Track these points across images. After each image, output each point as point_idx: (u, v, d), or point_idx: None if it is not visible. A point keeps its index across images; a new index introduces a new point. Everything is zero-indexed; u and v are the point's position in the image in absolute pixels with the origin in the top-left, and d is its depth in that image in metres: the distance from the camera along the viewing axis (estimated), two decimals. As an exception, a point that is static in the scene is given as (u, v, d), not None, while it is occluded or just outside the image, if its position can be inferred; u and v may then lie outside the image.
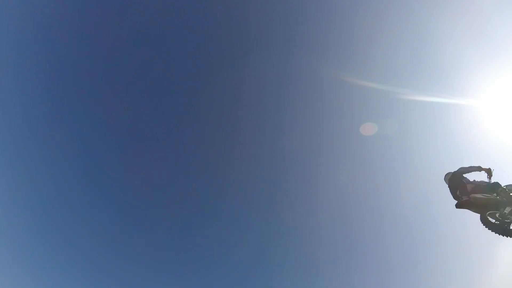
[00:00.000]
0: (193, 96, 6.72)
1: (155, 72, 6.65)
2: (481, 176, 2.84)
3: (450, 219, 6.37)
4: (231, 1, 6.40)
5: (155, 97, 6.66)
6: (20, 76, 6.22)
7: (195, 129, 6.71)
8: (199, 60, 6.61)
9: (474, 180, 2.79)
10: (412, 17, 6.01)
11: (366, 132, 6.02)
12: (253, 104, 6.74)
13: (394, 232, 6.47)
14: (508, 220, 2.39)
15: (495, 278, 6.22)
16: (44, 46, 6.26)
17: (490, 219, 2.45)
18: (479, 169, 2.76)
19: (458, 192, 2.80)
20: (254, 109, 6.73)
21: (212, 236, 6.52)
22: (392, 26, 6.01)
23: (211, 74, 6.67)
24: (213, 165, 6.76)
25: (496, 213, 2.44)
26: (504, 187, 2.50)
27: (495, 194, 2.47)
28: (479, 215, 2.50)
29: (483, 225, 2.53)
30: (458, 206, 2.66)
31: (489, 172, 2.71)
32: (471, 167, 2.85)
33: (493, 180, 2.69)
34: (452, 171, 2.90)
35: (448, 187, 2.90)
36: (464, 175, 2.81)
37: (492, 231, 2.44)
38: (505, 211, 2.39)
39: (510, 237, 2.38)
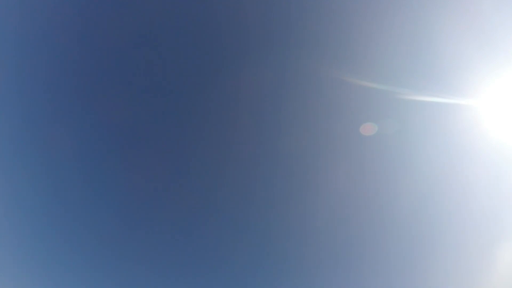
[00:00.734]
0: (193, 96, 6.71)
1: (154, 72, 6.65)
2: None
3: (450, 219, 6.38)
4: (230, 0, 6.40)
5: (154, 96, 6.66)
6: (19, 76, 6.22)
7: (195, 129, 6.71)
8: (199, 60, 6.61)
9: None
10: (412, 17, 6.02)
11: (366, 132, 6.02)
12: (252, 104, 6.73)
13: (394, 233, 6.47)
14: None
15: (495, 278, 6.23)
16: (44, 45, 6.26)
17: None
18: None
19: None
20: (253, 109, 6.72)
21: (212, 236, 6.52)
22: (392, 26, 6.01)
23: (210, 73, 6.67)
24: (212, 165, 6.75)
25: None
26: None
27: None
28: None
29: None
30: None
31: None
32: None
33: None
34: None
35: None
36: None
37: None
38: None
39: None
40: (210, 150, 6.74)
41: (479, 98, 5.97)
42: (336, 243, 6.51)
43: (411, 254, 6.46)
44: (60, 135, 6.40)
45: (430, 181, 6.42)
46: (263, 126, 6.77)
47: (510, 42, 5.80)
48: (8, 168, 6.21)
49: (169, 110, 6.71)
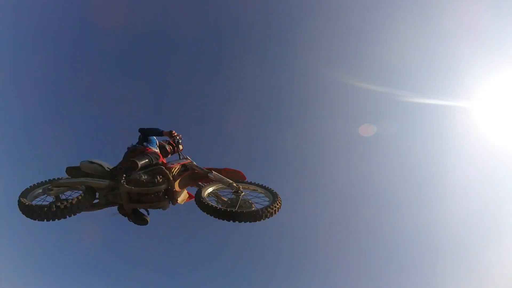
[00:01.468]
0: (193, 96, 6.72)
1: (154, 71, 6.66)
2: None
3: (449, 219, 6.40)
4: (230, 0, 6.42)
5: (154, 96, 6.67)
6: (19, 76, 6.22)
7: (195, 129, 6.71)
8: (199, 60, 6.63)
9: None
10: (411, 18, 6.05)
11: (365, 133, 6.04)
12: (252, 105, 6.75)
13: (393, 233, 6.48)
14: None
15: (494, 279, 6.24)
16: (43, 44, 6.26)
17: None
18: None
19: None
20: (253, 110, 6.74)
21: (211, 236, 6.51)
22: (391, 28, 6.04)
23: (210, 74, 6.69)
24: (211, 165, 6.74)
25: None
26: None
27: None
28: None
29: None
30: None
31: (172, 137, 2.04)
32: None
33: None
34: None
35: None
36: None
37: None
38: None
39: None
40: (209, 150, 6.74)
41: (477, 100, 6.00)
42: (336, 244, 6.51)
43: (410, 255, 6.47)
44: (59, 134, 6.40)
45: (429, 181, 6.45)
46: (262, 127, 6.78)
47: (508, 45, 5.83)
48: (8, 168, 6.20)
49: (168, 109, 6.72)
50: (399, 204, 6.48)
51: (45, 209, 1.48)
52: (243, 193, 1.71)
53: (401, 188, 6.46)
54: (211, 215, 1.56)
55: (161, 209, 1.81)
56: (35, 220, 1.52)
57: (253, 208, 1.62)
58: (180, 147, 2.17)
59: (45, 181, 1.84)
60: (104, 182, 1.70)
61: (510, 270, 6.25)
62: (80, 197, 1.59)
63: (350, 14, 6.03)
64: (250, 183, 1.88)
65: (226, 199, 1.78)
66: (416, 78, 6.08)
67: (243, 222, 1.54)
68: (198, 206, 1.61)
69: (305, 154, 6.62)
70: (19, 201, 1.61)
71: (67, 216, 1.54)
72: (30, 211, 1.51)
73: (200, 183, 1.90)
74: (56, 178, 1.81)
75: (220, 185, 1.81)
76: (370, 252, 6.46)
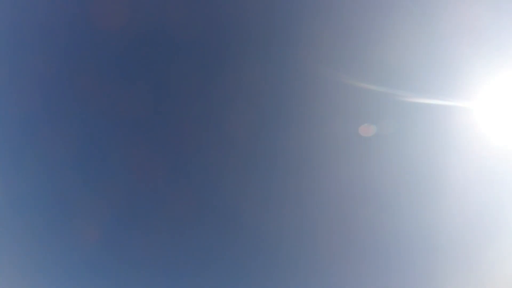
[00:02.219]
0: (192, 96, 6.72)
1: (153, 71, 6.66)
2: None
3: (449, 220, 6.40)
4: (230, 0, 6.42)
5: (153, 96, 6.66)
6: (18, 75, 6.22)
7: (194, 129, 6.71)
8: (199, 60, 6.62)
9: None
10: (410, 18, 6.05)
11: (365, 133, 6.04)
12: (250, 104, 6.74)
13: (393, 234, 6.49)
14: None
15: (494, 279, 6.25)
16: (43, 44, 6.27)
17: None
18: None
19: None
20: (251, 110, 6.74)
21: (211, 236, 6.52)
22: (390, 27, 6.04)
23: (209, 73, 6.68)
24: (211, 165, 6.76)
25: None
26: None
27: None
28: None
29: None
30: None
31: None
32: None
33: None
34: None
35: None
36: None
37: None
38: None
39: None
40: (209, 150, 6.75)
41: (478, 100, 6.00)
42: (335, 244, 6.52)
43: (410, 255, 6.48)
44: (59, 135, 6.40)
45: (429, 182, 6.45)
46: (261, 126, 6.78)
47: (508, 45, 5.84)
48: (8, 168, 6.20)
49: (168, 109, 6.72)
50: (398, 204, 6.48)
51: None
52: None
53: (400, 188, 6.46)
54: None
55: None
56: None
57: None
58: None
59: None
60: None
61: (510, 270, 6.26)
62: None
63: (350, 14, 6.04)
64: None
65: None
66: (416, 78, 6.08)
67: None
68: None
69: (305, 154, 6.62)
70: None
71: None
72: None
73: None
74: None
75: None
76: (370, 252, 6.47)
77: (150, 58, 6.63)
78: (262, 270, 6.60)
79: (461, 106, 5.87)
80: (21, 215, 6.23)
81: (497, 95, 5.94)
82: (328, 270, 6.53)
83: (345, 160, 6.49)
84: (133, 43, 6.54)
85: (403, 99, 5.94)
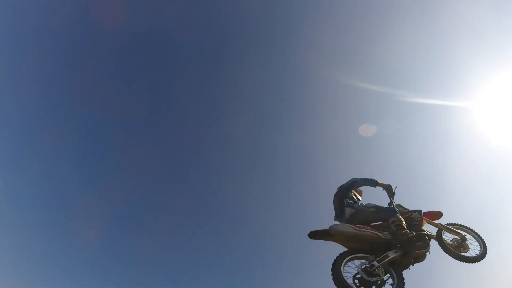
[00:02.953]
0: (192, 96, 6.72)
1: (153, 71, 6.66)
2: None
3: (449, 219, 6.39)
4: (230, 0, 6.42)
5: (153, 96, 6.66)
6: (18, 75, 6.22)
7: (194, 129, 6.71)
8: (199, 60, 6.62)
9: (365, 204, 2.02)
10: (410, 18, 6.05)
11: (365, 133, 6.04)
12: (251, 105, 6.75)
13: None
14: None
15: (494, 279, 6.24)
16: (43, 44, 6.26)
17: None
18: (374, 184, 2.09)
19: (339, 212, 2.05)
20: (252, 110, 6.74)
21: (211, 237, 6.51)
22: (391, 28, 6.04)
23: (210, 74, 6.68)
24: (211, 165, 6.76)
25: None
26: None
27: (386, 230, 1.79)
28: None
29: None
30: (315, 235, 1.84)
31: (389, 190, 2.04)
32: (365, 179, 2.13)
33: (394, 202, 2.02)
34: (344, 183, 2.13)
35: (333, 203, 2.13)
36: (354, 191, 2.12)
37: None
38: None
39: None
40: (209, 150, 6.75)
41: (478, 100, 6.00)
42: (335, 244, 6.51)
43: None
44: (59, 135, 6.39)
45: (429, 182, 6.44)
46: (261, 126, 6.79)
47: (508, 45, 5.84)
48: (8, 168, 6.19)
49: (167, 109, 6.71)
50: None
51: None
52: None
53: (400, 188, 6.45)
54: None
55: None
56: None
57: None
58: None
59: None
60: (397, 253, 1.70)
61: (510, 270, 6.26)
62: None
63: (350, 14, 6.04)
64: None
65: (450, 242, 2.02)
66: (416, 78, 6.08)
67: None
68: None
69: (305, 154, 6.62)
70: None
71: None
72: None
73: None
74: None
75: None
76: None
77: (150, 58, 6.63)
78: (262, 270, 6.60)
79: (461, 106, 5.87)
80: (21, 215, 6.23)
81: (497, 95, 5.95)
82: (328, 270, 6.51)
83: (345, 160, 6.49)
84: (133, 43, 6.54)
85: (403, 99, 5.94)
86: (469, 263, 1.94)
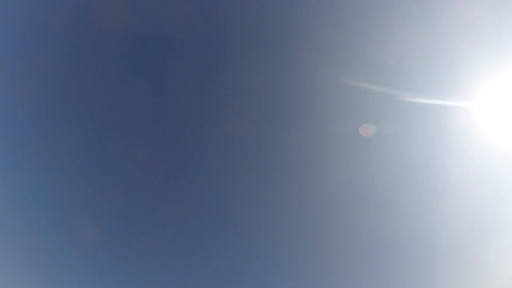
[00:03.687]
0: (192, 96, 6.72)
1: (153, 71, 6.66)
2: None
3: (449, 219, 6.40)
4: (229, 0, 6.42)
5: (153, 96, 6.67)
6: (18, 75, 6.22)
7: (194, 129, 6.72)
8: (199, 60, 6.62)
9: None
10: (410, 18, 6.05)
11: (365, 133, 6.05)
12: (250, 105, 6.75)
13: (393, 234, 6.49)
14: None
15: (493, 279, 6.25)
16: (43, 44, 6.27)
17: None
18: None
19: None
20: (251, 110, 6.74)
21: (211, 237, 6.52)
22: (390, 27, 6.04)
23: (208, 73, 6.68)
24: (211, 165, 6.76)
25: None
26: None
27: None
28: None
29: None
30: None
31: None
32: None
33: None
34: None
35: None
36: None
37: None
38: None
39: None
40: (208, 150, 6.75)
41: (478, 100, 6.00)
42: (335, 244, 6.52)
43: (410, 255, 6.48)
44: (59, 135, 6.40)
45: (429, 182, 6.45)
46: (260, 127, 6.78)
47: (508, 45, 5.84)
48: (8, 168, 6.20)
49: (167, 109, 6.72)
50: (398, 204, 6.48)
51: None
52: None
53: (400, 188, 6.46)
54: None
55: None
56: None
57: None
58: None
59: None
60: None
61: (510, 270, 6.26)
62: None
63: (350, 14, 6.04)
64: None
65: None
66: (416, 78, 6.08)
67: None
68: None
69: (305, 154, 6.62)
70: None
71: None
72: None
73: None
74: None
75: None
76: (370, 252, 6.47)
77: (150, 58, 6.63)
78: (262, 270, 6.60)
79: (461, 106, 5.87)
80: (21, 215, 6.23)
81: (497, 95, 5.95)
82: (328, 270, 6.53)
83: (345, 160, 6.49)
84: (133, 43, 6.54)
85: (403, 99, 5.94)
86: None
